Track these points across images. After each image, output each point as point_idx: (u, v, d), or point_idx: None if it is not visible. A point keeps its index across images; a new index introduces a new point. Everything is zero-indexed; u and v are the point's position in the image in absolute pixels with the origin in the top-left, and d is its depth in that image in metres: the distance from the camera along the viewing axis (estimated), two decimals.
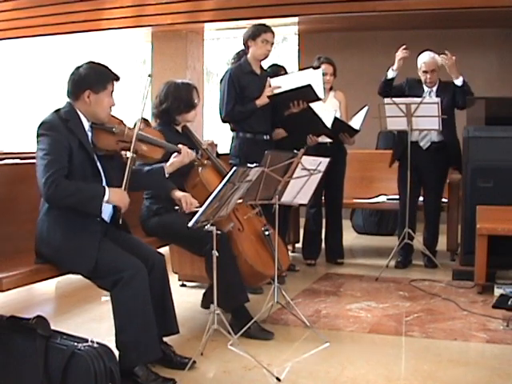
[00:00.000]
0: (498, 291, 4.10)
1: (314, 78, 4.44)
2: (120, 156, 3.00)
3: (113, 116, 2.93)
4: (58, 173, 2.62)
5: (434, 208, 5.12)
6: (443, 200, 5.23)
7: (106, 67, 2.85)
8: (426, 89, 4.93)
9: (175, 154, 3.16)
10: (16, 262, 2.79)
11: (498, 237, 4.04)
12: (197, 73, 7.84)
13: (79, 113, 2.80)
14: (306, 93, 4.31)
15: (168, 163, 3.10)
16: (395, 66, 4.88)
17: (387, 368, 2.91)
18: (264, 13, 6.57)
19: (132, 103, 9.34)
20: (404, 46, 4.88)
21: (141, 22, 7.35)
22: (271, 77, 4.51)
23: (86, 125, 2.83)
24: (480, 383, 2.76)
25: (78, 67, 2.82)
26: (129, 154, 2.86)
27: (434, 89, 4.94)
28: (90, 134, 2.84)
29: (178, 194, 3.34)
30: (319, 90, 4.41)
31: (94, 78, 2.78)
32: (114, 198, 2.75)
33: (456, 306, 3.91)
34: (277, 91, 4.39)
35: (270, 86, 4.42)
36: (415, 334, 3.40)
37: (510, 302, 3.83)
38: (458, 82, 4.84)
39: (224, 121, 4.52)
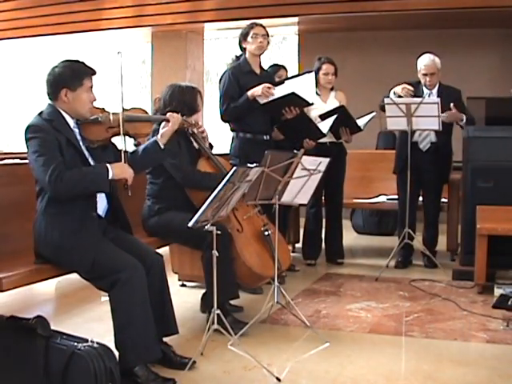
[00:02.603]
0: (497, 291, 4.10)
1: (307, 81, 4.46)
2: (113, 145, 3.01)
3: (94, 107, 2.91)
4: (58, 168, 2.63)
5: (433, 208, 5.12)
6: (443, 200, 5.23)
7: (82, 63, 2.83)
8: (425, 91, 4.91)
9: (163, 123, 3.13)
10: (16, 262, 2.79)
11: (497, 237, 4.04)
12: (197, 73, 7.84)
13: (62, 112, 2.80)
14: (294, 100, 4.33)
15: (159, 135, 3.07)
16: (397, 94, 4.80)
17: (387, 368, 2.91)
18: (264, 13, 6.58)
19: (130, 103, 9.33)
20: (410, 87, 4.81)
21: (141, 22, 7.35)
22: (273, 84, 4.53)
23: (71, 122, 2.82)
24: (480, 383, 2.75)
25: (54, 67, 2.80)
26: (120, 138, 2.87)
27: (434, 91, 4.92)
28: (76, 130, 2.84)
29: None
30: (311, 94, 4.45)
31: (68, 76, 2.76)
32: (117, 172, 2.76)
33: (456, 306, 3.90)
34: (264, 101, 4.40)
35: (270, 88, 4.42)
36: (415, 334, 3.40)
37: (510, 302, 3.83)
38: (463, 123, 4.82)
39: (224, 120, 4.52)
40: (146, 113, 3.22)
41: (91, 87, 2.83)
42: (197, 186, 3.58)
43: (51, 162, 2.63)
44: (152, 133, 3.23)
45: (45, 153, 2.64)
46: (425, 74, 4.87)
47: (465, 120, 4.79)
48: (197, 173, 3.62)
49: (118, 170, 2.78)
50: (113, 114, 2.90)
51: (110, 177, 2.74)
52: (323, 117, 4.76)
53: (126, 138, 2.93)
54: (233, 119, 4.50)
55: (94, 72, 2.85)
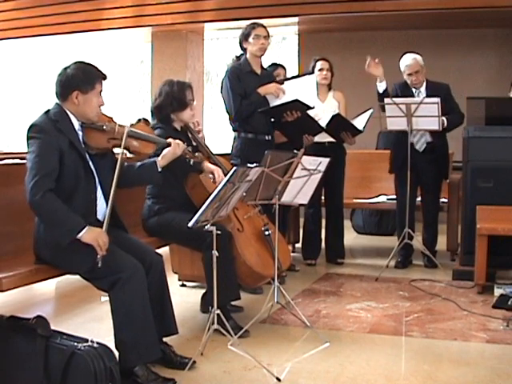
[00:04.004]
0: (497, 291, 4.10)
1: (308, 83, 4.48)
2: (112, 154, 2.99)
3: (102, 114, 2.90)
4: (47, 178, 2.60)
5: (432, 208, 5.12)
6: (443, 200, 5.23)
7: (94, 66, 2.82)
8: (414, 90, 4.92)
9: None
10: (16, 262, 2.79)
11: (497, 237, 4.04)
12: (197, 73, 7.84)
13: (69, 113, 2.78)
14: (296, 105, 4.35)
15: (160, 157, 3.04)
16: (378, 79, 4.83)
17: (387, 368, 2.91)
18: (264, 13, 6.58)
19: (130, 102, 9.34)
20: (369, 60, 4.78)
21: (141, 22, 7.36)
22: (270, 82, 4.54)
23: (76, 124, 2.81)
24: (480, 383, 2.75)
25: (66, 68, 2.78)
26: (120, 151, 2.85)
27: (422, 89, 4.92)
28: (80, 133, 2.82)
29: (210, 166, 3.45)
30: (312, 96, 4.48)
31: (81, 79, 2.75)
32: (86, 237, 2.62)
33: (456, 306, 3.90)
34: (275, 103, 4.42)
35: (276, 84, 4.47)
36: (415, 334, 3.40)
37: (510, 302, 3.83)
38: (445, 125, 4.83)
39: (236, 120, 4.46)
40: (149, 124, 3.20)
41: (101, 91, 2.82)
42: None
43: (42, 169, 2.60)
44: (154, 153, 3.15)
45: (41, 156, 2.62)
46: (409, 74, 4.88)
47: (446, 123, 4.80)
48: None
49: (89, 236, 2.62)
50: (119, 125, 2.89)
51: (79, 236, 2.62)
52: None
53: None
54: (246, 117, 4.43)
55: (104, 76, 2.83)
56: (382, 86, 4.85)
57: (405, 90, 4.92)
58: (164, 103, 3.59)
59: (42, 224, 2.71)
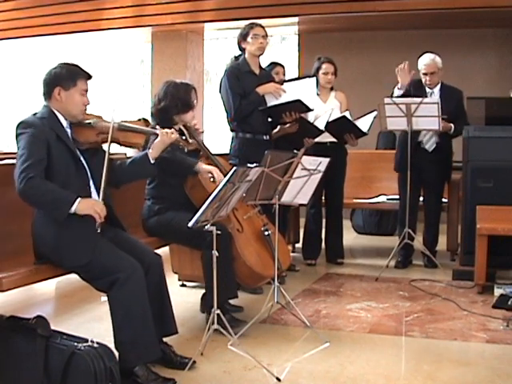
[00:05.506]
0: (497, 291, 4.10)
1: (308, 86, 4.48)
2: (103, 151, 2.97)
3: (90, 114, 2.91)
4: (34, 167, 2.61)
5: (434, 208, 5.12)
6: (443, 200, 5.23)
7: (77, 66, 2.87)
8: (427, 90, 4.93)
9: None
10: (16, 262, 2.79)
11: (498, 237, 4.04)
12: (197, 73, 7.84)
13: (56, 112, 2.81)
14: (297, 106, 4.36)
15: (151, 148, 3.00)
16: (400, 85, 4.83)
17: (387, 368, 2.91)
18: (264, 13, 6.58)
19: (130, 102, 9.33)
20: (405, 65, 4.80)
21: (141, 22, 7.36)
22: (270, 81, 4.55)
23: (64, 123, 2.83)
24: (480, 383, 2.75)
25: (51, 68, 2.85)
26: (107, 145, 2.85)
27: (436, 90, 4.93)
28: (69, 130, 2.84)
29: (207, 167, 3.47)
30: (312, 99, 4.49)
31: (63, 76, 2.79)
32: (80, 208, 2.64)
33: (456, 306, 3.91)
34: (273, 103, 4.43)
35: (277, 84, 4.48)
36: (415, 334, 3.40)
37: (510, 302, 3.84)
38: (451, 132, 4.88)
39: (235, 120, 4.46)
40: (149, 124, 3.19)
41: (86, 91, 2.84)
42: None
43: (29, 159, 2.62)
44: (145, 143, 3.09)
45: (27, 147, 2.65)
46: (425, 74, 4.88)
47: (453, 129, 4.83)
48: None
49: (83, 206, 2.64)
50: (106, 121, 2.90)
51: (73, 210, 2.63)
52: (329, 125, 4.76)
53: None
54: (245, 116, 4.42)
55: (89, 76, 2.86)
56: (398, 93, 4.84)
57: (418, 88, 4.91)
58: (169, 105, 3.57)
59: (39, 209, 2.71)
